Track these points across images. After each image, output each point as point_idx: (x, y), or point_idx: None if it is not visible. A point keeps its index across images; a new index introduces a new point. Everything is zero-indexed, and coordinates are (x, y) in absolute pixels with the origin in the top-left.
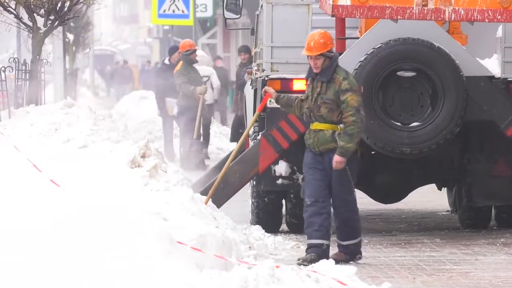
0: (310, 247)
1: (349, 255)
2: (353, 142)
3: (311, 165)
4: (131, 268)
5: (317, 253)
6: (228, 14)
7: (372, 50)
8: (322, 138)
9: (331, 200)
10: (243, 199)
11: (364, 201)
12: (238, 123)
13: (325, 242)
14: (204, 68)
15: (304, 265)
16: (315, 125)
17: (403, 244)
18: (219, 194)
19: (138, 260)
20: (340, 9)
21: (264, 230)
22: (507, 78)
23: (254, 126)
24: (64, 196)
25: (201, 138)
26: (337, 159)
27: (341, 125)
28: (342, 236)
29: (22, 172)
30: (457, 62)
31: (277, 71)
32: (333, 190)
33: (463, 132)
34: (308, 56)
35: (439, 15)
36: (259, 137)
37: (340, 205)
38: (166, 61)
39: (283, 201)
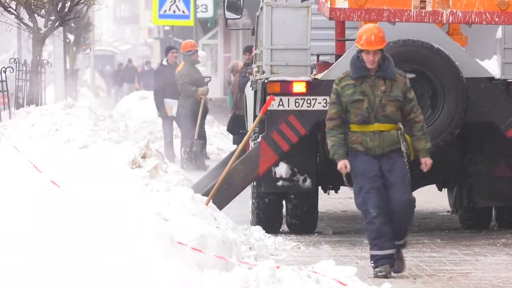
0: (382, 258)
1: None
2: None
3: (371, 173)
4: (131, 268)
5: (391, 265)
6: (228, 14)
7: None
8: (389, 139)
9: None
10: (244, 200)
11: None
12: (233, 122)
13: (393, 251)
14: (209, 69)
15: (382, 276)
16: (377, 126)
17: None
18: (221, 196)
19: (138, 260)
20: (338, 12)
21: (264, 231)
22: (507, 79)
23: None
24: (65, 197)
25: None
26: (429, 161)
27: (399, 124)
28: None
29: (22, 172)
30: (457, 63)
31: (277, 73)
32: (394, 192)
33: (463, 133)
34: (363, 51)
35: (437, 17)
36: (259, 140)
37: (399, 207)
38: (164, 62)
39: (284, 202)
